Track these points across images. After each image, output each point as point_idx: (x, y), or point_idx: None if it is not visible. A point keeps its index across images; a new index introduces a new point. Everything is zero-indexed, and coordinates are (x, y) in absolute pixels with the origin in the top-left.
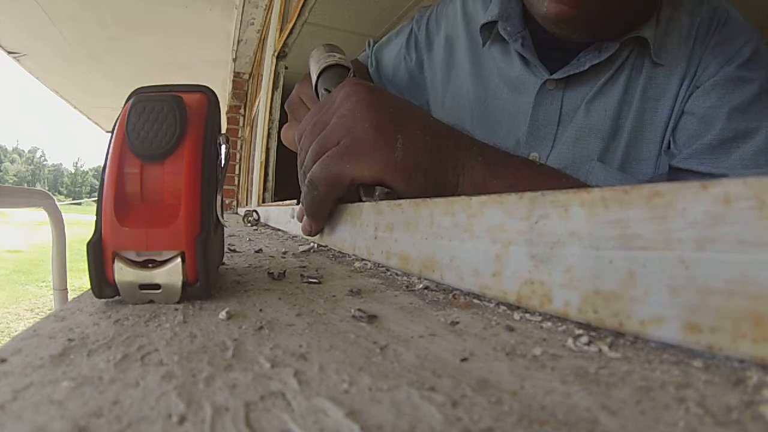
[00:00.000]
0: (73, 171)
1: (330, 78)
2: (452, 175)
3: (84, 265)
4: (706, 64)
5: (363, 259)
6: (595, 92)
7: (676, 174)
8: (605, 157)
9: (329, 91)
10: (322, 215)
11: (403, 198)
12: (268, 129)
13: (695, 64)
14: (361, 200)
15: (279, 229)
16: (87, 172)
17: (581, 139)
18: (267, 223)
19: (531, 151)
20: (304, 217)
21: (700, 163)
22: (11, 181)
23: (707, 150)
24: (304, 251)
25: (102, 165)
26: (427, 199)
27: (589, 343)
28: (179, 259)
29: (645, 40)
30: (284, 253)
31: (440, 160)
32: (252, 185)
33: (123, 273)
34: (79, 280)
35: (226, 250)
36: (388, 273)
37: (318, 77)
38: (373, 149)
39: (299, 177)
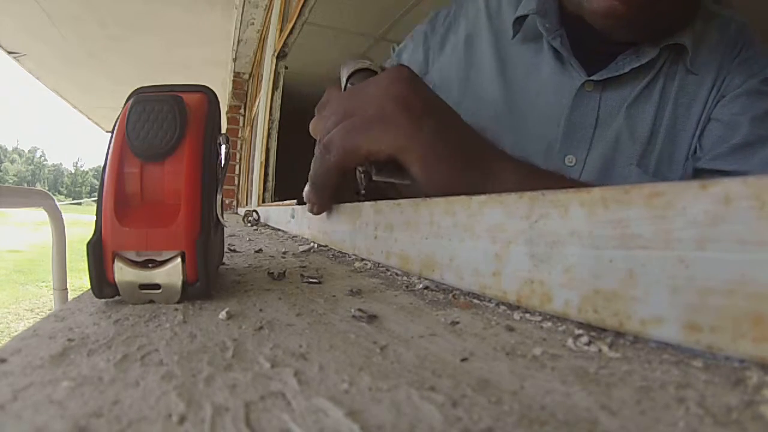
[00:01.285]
0: (73, 171)
1: (360, 79)
2: (481, 179)
3: (84, 265)
4: (732, 76)
5: (363, 259)
6: (635, 96)
7: (701, 175)
8: (641, 162)
9: None
10: (328, 187)
11: (419, 184)
12: (268, 129)
13: (723, 75)
14: (360, 185)
15: (279, 229)
16: (87, 172)
17: (620, 143)
18: (267, 223)
19: (566, 154)
20: (307, 187)
21: (725, 163)
22: (11, 181)
23: (731, 152)
24: (304, 251)
25: (102, 165)
26: (427, 198)
27: (589, 343)
28: (179, 259)
29: (682, 47)
30: (284, 253)
31: (468, 161)
32: (252, 185)
33: (123, 273)
34: (79, 280)
35: (226, 250)
36: (388, 273)
37: (347, 79)
38: (395, 126)
39: (316, 150)
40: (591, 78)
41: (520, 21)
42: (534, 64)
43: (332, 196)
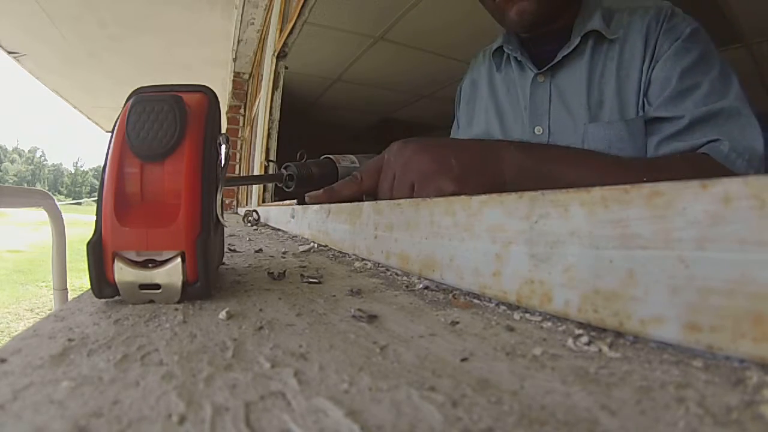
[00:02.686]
0: (73, 171)
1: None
2: (496, 168)
3: (84, 265)
4: (662, 43)
5: (363, 259)
6: (571, 76)
7: (650, 124)
8: (593, 119)
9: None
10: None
11: None
12: (268, 129)
13: (652, 45)
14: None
15: (279, 229)
16: (87, 172)
17: (572, 114)
18: (267, 223)
19: (535, 126)
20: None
21: (665, 110)
22: (11, 181)
23: (668, 101)
24: (304, 251)
25: (102, 165)
26: (427, 198)
27: (589, 343)
28: (179, 259)
29: (597, 32)
30: (284, 253)
31: (484, 159)
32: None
33: (123, 273)
34: (79, 280)
35: (226, 250)
36: (388, 273)
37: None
38: (438, 175)
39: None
40: (540, 72)
41: (498, 55)
42: (508, 82)
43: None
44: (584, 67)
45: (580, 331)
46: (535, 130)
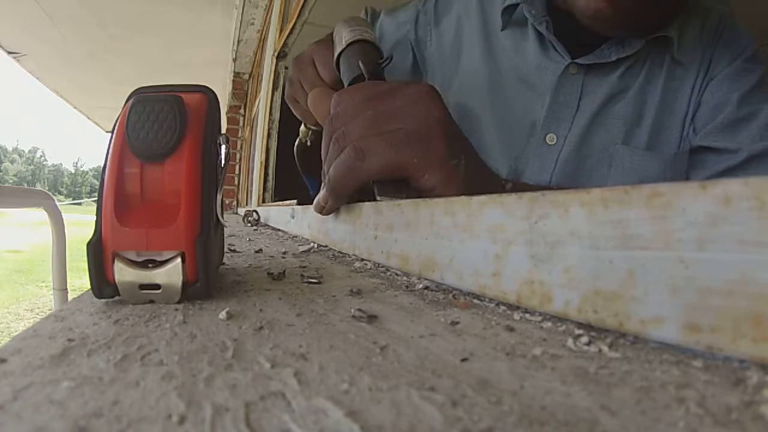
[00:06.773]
0: (73, 171)
1: (359, 52)
2: None
3: (84, 265)
4: (718, 59)
5: (363, 259)
6: (615, 83)
7: (695, 153)
8: (627, 140)
9: (361, 63)
10: (348, 191)
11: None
12: (268, 129)
13: (707, 60)
14: (375, 197)
15: (279, 229)
16: (87, 172)
17: (601, 125)
18: (267, 223)
19: (548, 132)
20: (322, 190)
21: (715, 139)
22: (11, 181)
23: (720, 128)
24: (304, 251)
25: (102, 165)
26: (427, 198)
27: (589, 343)
28: (179, 259)
29: (668, 38)
30: (284, 253)
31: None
32: (252, 185)
33: (123, 273)
34: (79, 280)
35: (226, 250)
36: (388, 273)
37: (345, 48)
38: (442, 156)
39: (328, 139)
40: (577, 61)
41: (509, 11)
42: (519, 49)
43: (348, 200)
44: (639, 74)
45: (580, 332)
46: (547, 138)
